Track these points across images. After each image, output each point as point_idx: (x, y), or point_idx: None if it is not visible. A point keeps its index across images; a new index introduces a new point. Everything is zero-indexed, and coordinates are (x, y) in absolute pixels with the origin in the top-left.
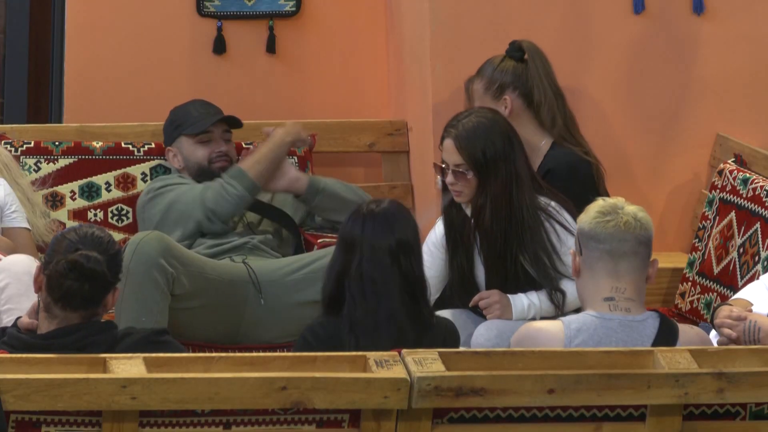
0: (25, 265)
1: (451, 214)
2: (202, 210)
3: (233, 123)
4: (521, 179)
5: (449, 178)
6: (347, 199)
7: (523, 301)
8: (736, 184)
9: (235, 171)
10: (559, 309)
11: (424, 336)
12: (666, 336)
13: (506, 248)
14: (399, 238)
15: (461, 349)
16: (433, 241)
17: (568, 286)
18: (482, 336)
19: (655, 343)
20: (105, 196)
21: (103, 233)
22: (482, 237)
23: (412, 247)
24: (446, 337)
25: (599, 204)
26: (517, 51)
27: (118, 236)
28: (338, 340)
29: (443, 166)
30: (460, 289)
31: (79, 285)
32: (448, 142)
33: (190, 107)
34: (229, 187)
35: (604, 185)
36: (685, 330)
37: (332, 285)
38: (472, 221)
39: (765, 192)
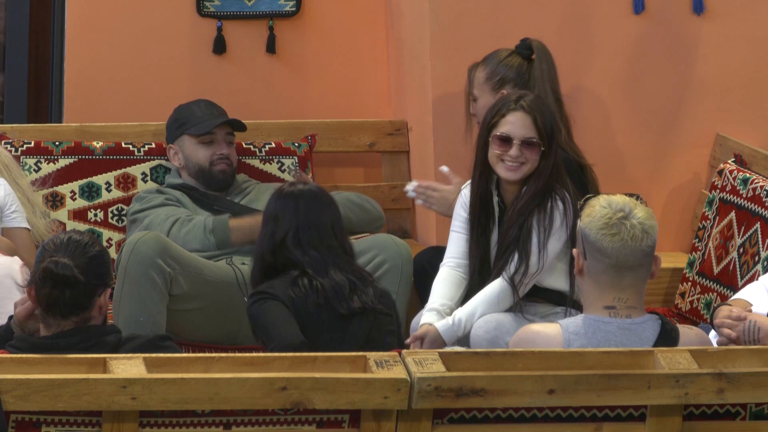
0: (5, 267)
1: (488, 191)
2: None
3: (237, 126)
4: (561, 165)
5: (514, 151)
6: (366, 208)
7: (447, 323)
8: (736, 184)
9: (222, 229)
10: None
11: (365, 285)
12: (667, 340)
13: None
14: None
15: (461, 349)
16: (461, 218)
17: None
18: (481, 328)
19: (656, 347)
20: (105, 196)
21: (82, 236)
22: (517, 214)
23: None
24: (382, 294)
25: (604, 208)
26: (526, 49)
27: (117, 236)
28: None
29: (508, 138)
30: (481, 268)
31: (59, 293)
32: (520, 115)
33: (194, 107)
34: (206, 239)
35: (597, 188)
36: (685, 331)
37: (270, 253)
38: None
39: (765, 192)
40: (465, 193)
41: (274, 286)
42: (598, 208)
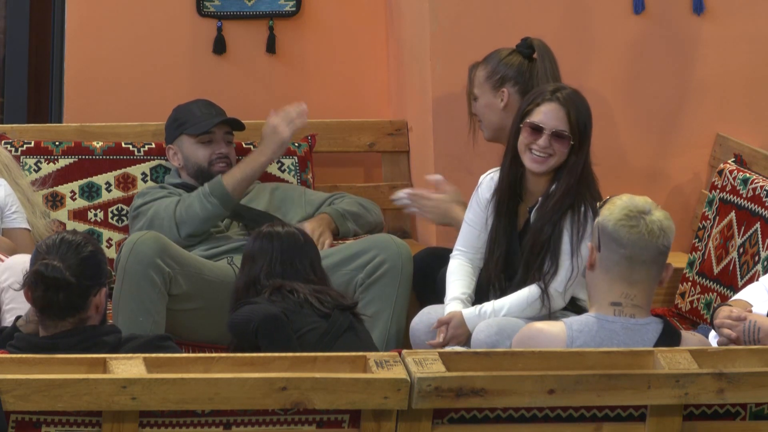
0: (26, 264)
1: (517, 180)
2: (173, 226)
3: (236, 125)
4: (590, 166)
5: (543, 141)
6: (368, 220)
7: (474, 312)
8: (736, 184)
9: (217, 188)
10: (546, 309)
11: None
12: (668, 342)
13: (556, 230)
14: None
15: (461, 349)
16: (475, 210)
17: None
18: (482, 333)
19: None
20: (105, 196)
21: (75, 236)
22: (550, 212)
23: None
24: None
25: (625, 203)
26: (527, 48)
27: (117, 236)
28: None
29: (539, 127)
30: (506, 258)
31: (52, 295)
32: (554, 106)
33: (193, 106)
34: (207, 204)
35: (597, 188)
36: (687, 337)
37: (243, 289)
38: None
39: (765, 192)
40: (485, 184)
41: (253, 301)
42: (618, 203)
